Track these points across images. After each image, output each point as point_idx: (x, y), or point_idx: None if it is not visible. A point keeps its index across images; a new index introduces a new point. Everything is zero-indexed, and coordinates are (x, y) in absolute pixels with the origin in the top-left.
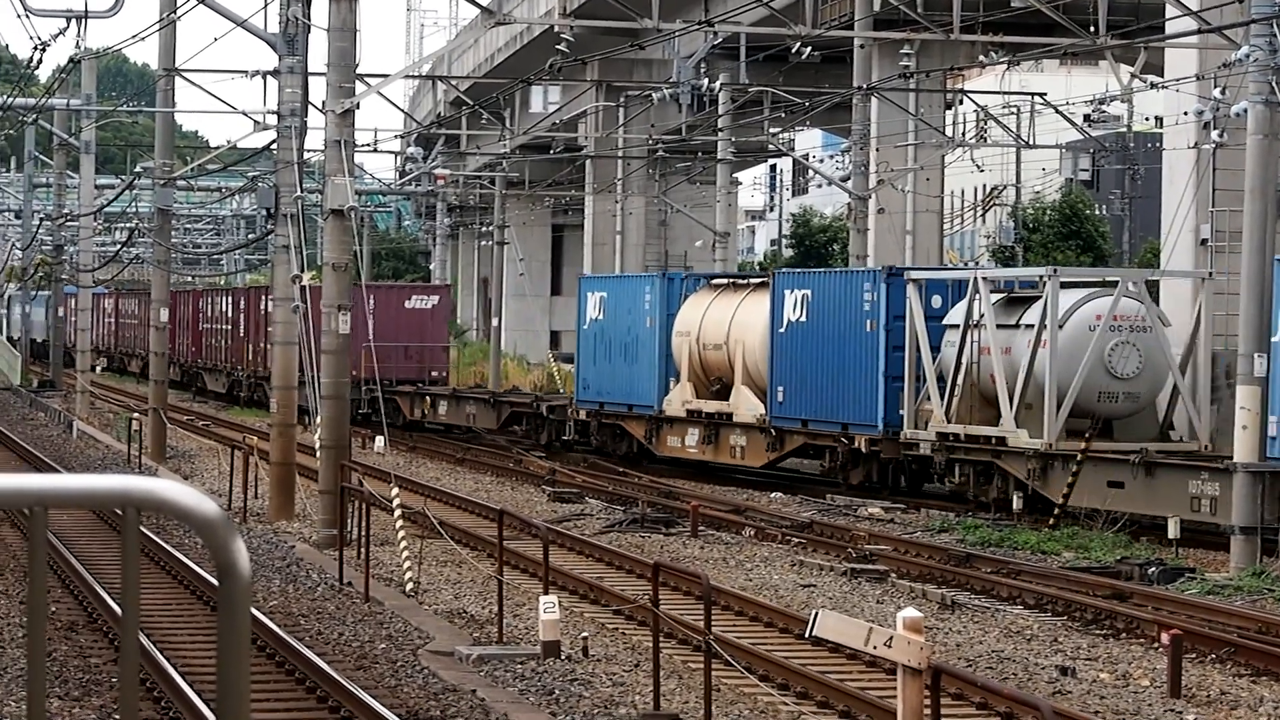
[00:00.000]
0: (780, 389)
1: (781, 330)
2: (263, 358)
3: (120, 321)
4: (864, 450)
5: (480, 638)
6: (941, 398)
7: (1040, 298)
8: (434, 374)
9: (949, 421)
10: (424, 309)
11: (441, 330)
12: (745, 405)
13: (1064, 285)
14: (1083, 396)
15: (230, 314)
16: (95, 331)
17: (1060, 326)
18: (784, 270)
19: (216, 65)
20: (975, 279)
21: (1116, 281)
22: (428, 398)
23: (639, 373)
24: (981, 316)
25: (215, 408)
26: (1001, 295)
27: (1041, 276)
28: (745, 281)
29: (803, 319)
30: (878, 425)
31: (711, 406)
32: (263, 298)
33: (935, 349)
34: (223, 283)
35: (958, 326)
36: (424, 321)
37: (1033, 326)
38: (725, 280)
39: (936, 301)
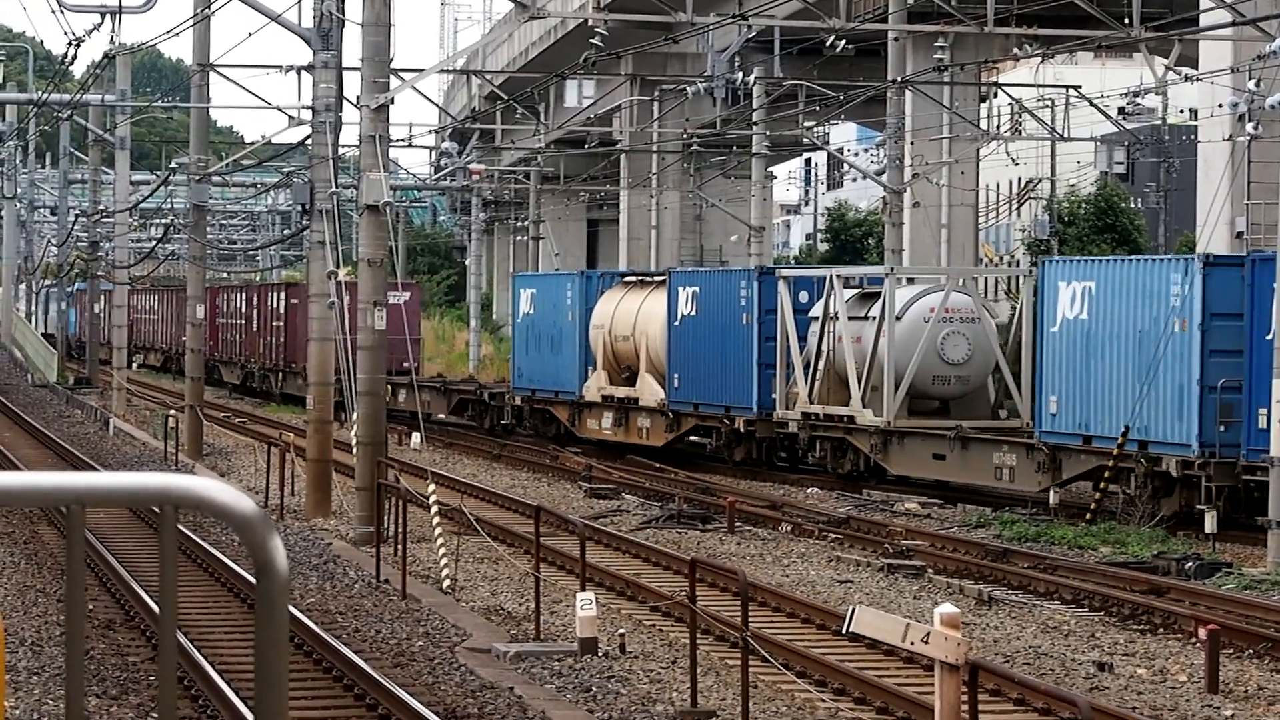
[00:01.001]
0: (676, 376)
1: (676, 323)
2: (272, 351)
3: (138, 316)
4: (742, 430)
5: (517, 634)
6: (806, 382)
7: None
8: (404, 364)
9: (811, 403)
10: (394, 305)
11: (413, 325)
12: (649, 391)
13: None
14: (919, 380)
15: (244, 310)
16: (109, 326)
17: (898, 319)
18: (678, 269)
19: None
20: (830, 277)
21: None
22: (389, 386)
23: (563, 362)
24: (837, 311)
25: (252, 405)
26: (856, 291)
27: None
28: (650, 279)
29: (693, 313)
30: (753, 408)
31: (622, 392)
32: (272, 294)
33: (802, 339)
34: (258, 279)
35: (819, 319)
36: (394, 317)
37: (900, 317)
38: (635, 278)
39: (804, 297)
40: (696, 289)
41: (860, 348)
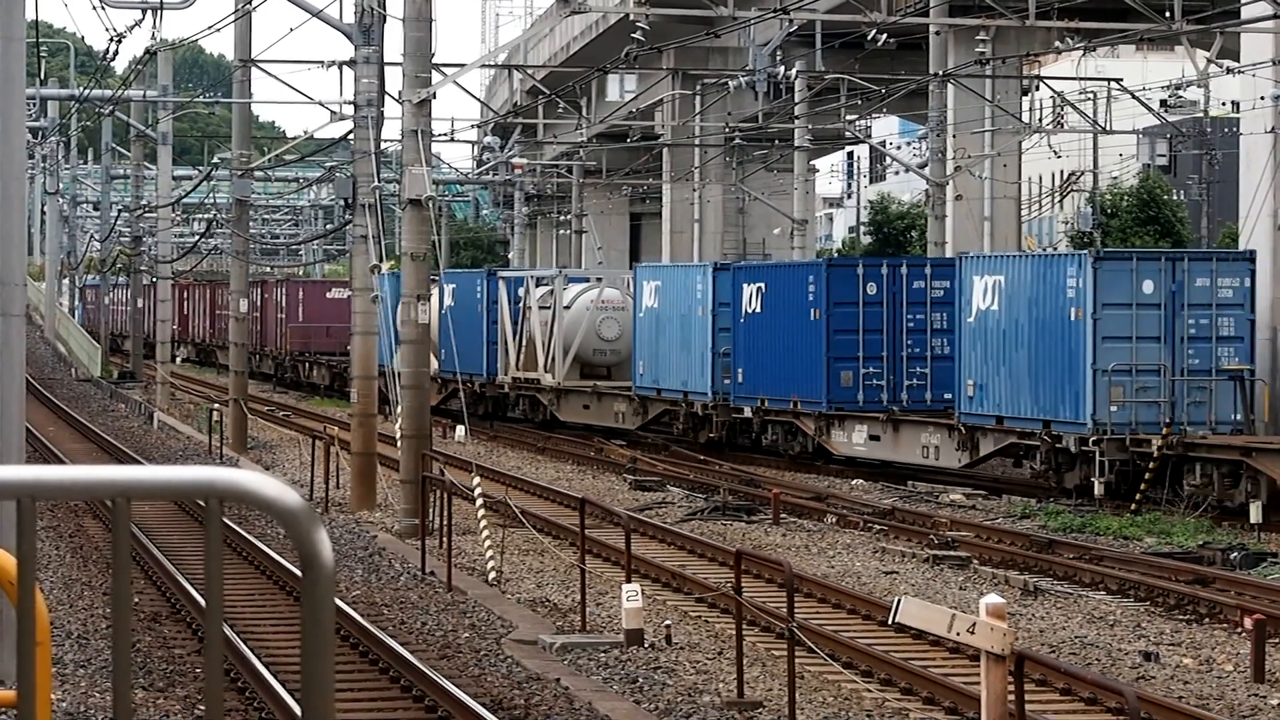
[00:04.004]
0: (443, 351)
1: (443, 311)
2: (255, 337)
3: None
4: (477, 390)
5: (563, 626)
6: (514, 356)
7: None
8: (348, 349)
9: (517, 370)
10: (341, 299)
11: None
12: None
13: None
14: (583, 352)
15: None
16: (119, 318)
17: (567, 308)
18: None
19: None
20: (525, 278)
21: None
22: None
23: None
24: (530, 303)
25: (296, 398)
26: (547, 288)
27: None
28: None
29: (453, 304)
30: (484, 375)
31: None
32: (253, 290)
33: (515, 324)
34: (301, 274)
35: (531, 307)
36: (341, 309)
37: (568, 307)
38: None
39: (522, 291)
40: (455, 285)
41: (545, 330)
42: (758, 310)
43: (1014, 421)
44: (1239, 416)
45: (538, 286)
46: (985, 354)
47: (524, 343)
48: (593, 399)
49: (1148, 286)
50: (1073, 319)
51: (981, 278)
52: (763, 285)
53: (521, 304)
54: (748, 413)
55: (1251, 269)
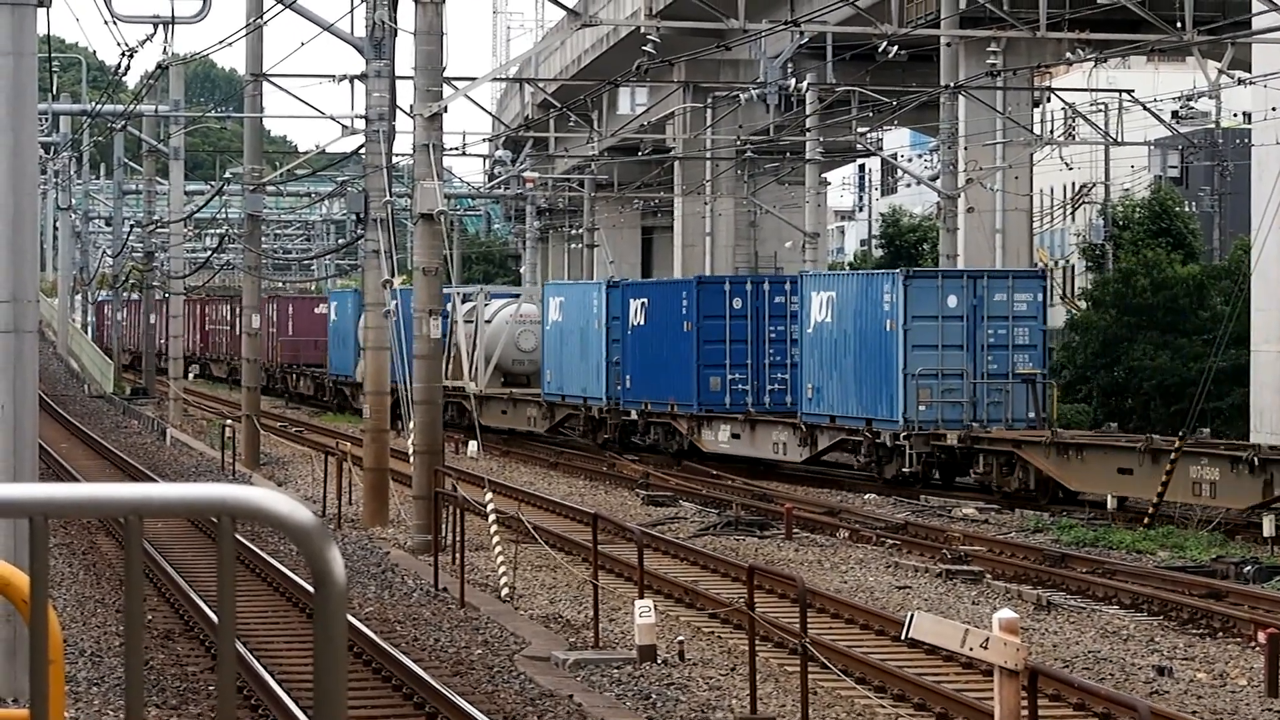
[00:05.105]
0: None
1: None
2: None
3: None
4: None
5: (576, 642)
6: (444, 365)
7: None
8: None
9: (446, 379)
10: (326, 314)
11: None
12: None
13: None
14: (504, 362)
15: (229, 318)
16: (132, 333)
17: (488, 322)
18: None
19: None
20: (453, 294)
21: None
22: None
23: (345, 354)
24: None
25: (308, 413)
26: (471, 304)
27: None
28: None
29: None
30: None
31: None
32: (237, 305)
33: (444, 334)
34: (314, 289)
35: (458, 321)
36: (327, 324)
37: (489, 321)
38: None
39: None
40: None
41: (469, 341)
42: (642, 323)
43: (844, 420)
44: (1032, 414)
45: (464, 302)
46: (821, 361)
47: (451, 353)
48: (509, 404)
49: (952, 301)
50: (888, 330)
51: (818, 293)
52: (646, 300)
53: (449, 318)
54: (634, 415)
55: (1043, 285)
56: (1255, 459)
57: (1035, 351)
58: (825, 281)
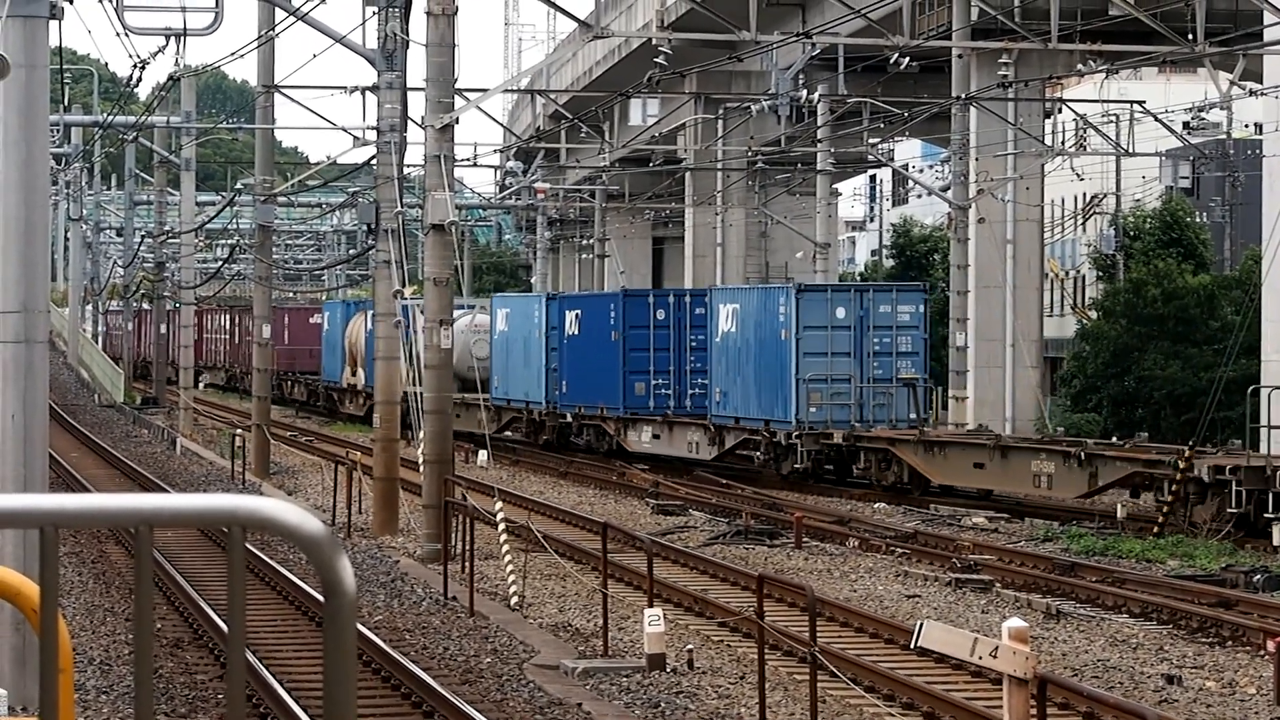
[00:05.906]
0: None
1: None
2: (243, 358)
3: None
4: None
5: (585, 651)
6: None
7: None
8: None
9: (407, 383)
10: (320, 324)
11: None
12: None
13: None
14: (459, 368)
15: (227, 326)
16: (142, 344)
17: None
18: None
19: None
20: (410, 306)
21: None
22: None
23: (335, 361)
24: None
25: (318, 423)
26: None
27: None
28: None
29: (327, 325)
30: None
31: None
32: (237, 315)
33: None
34: (324, 299)
35: (417, 331)
36: (320, 332)
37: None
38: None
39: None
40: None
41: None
42: (576, 333)
43: (747, 421)
44: (913, 415)
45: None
46: (727, 367)
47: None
48: (461, 409)
49: (840, 312)
50: (783, 339)
51: (725, 305)
52: (580, 312)
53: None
54: (569, 418)
55: (925, 298)
56: (1083, 454)
57: (917, 358)
58: (730, 295)
